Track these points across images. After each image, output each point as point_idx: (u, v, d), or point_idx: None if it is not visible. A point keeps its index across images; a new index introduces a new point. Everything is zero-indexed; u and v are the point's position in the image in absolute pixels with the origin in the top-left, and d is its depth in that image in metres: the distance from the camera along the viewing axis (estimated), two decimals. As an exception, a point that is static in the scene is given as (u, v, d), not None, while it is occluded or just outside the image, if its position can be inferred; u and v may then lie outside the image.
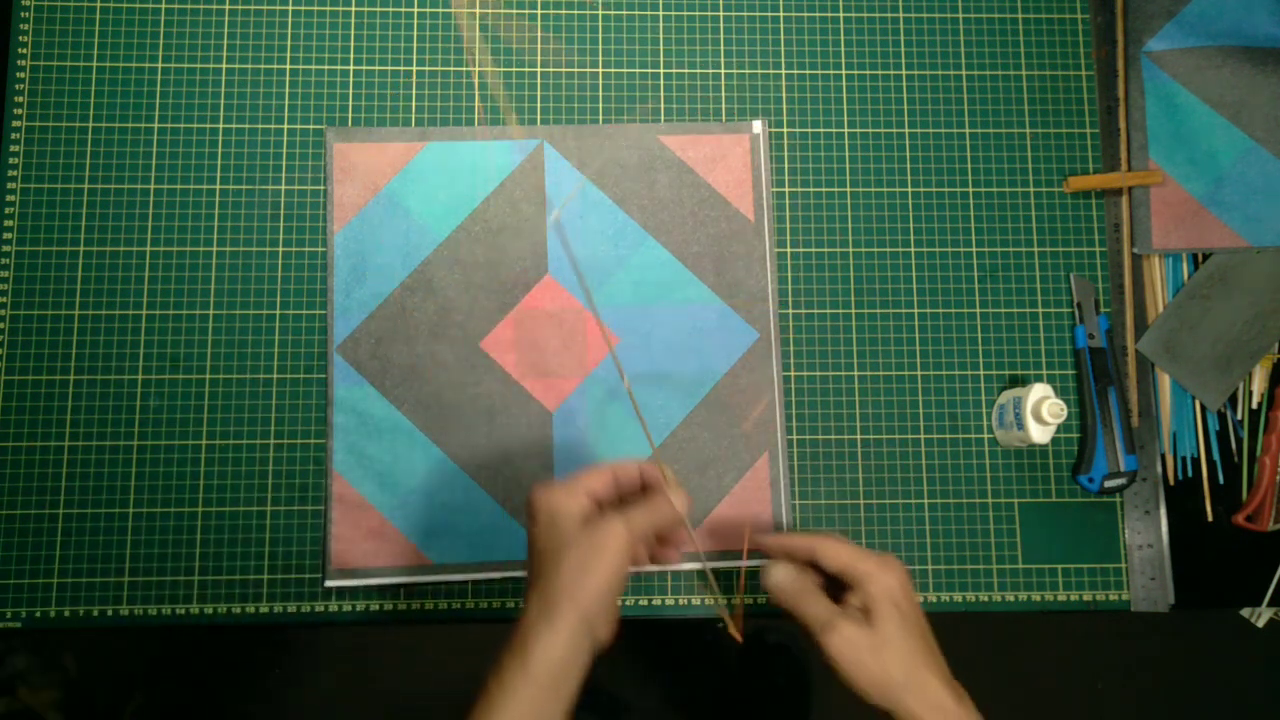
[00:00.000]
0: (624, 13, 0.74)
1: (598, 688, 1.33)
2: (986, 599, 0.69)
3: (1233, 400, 0.72)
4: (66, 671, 1.37)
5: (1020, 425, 0.65)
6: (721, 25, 0.74)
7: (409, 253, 0.70)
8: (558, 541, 0.50)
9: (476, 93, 0.73)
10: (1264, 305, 0.72)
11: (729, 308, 0.71)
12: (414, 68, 0.73)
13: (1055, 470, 0.70)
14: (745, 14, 0.75)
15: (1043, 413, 0.64)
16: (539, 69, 0.73)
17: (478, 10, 0.73)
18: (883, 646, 0.51)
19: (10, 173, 0.70)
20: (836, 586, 0.56)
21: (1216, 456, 0.71)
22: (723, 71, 0.74)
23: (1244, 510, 0.70)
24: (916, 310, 0.72)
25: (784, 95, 0.74)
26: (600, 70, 0.73)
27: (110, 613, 0.66)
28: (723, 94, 0.74)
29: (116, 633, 0.67)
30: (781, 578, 0.56)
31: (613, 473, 0.53)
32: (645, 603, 0.68)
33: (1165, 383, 0.72)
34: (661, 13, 0.74)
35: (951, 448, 0.70)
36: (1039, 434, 0.65)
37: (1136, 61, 0.75)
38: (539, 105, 0.73)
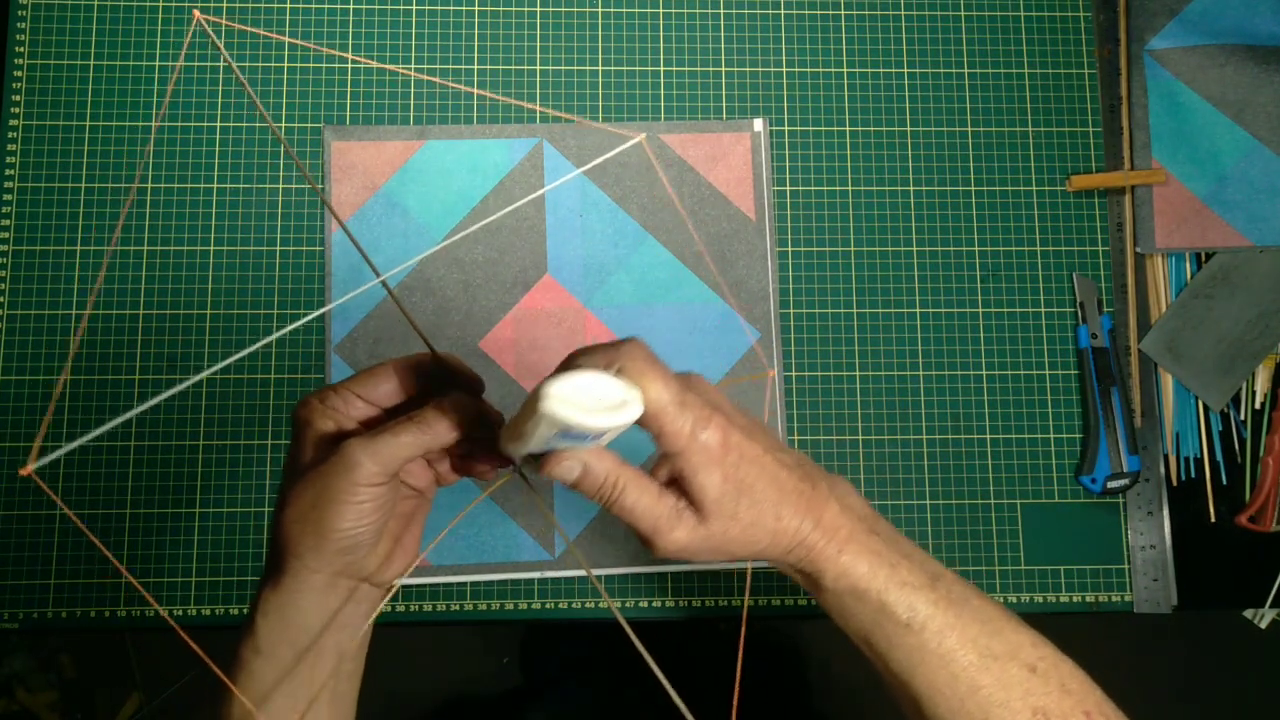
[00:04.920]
0: (624, 11, 0.74)
1: (595, 688, 1.32)
2: (988, 600, 0.68)
3: (1236, 400, 0.72)
4: (64, 672, 1.37)
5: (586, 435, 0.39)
6: (722, 24, 0.74)
7: (407, 252, 0.69)
8: (291, 471, 0.41)
9: (475, 91, 0.72)
10: (1267, 305, 0.72)
11: (730, 307, 0.70)
12: (413, 66, 0.72)
13: (1058, 471, 0.70)
14: (746, 12, 0.74)
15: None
16: (539, 67, 0.73)
17: (477, 8, 0.73)
18: (731, 534, 0.41)
19: (8, 172, 0.69)
20: None
21: (1219, 457, 0.71)
22: (723, 70, 0.74)
23: (1247, 511, 0.70)
24: (918, 310, 0.71)
25: (785, 93, 0.73)
26: (600, 69, 0.73)
27: (108, 614, 0.66)
28: (723, 92, 0.73)
29: (116, 633, 0.66)
30: (577, 470, 0.40)
31: (395, 372, 0.42)
32: (645, 604, 0.67)
33: (1168, 383, 0.72)
34: (661, 11, 0.74)
35: (954, 448, 0.70)
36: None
37: (1139, 60, 0.75)
38: (539, 104, 0.72)
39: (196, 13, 0.36)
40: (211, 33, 0.41)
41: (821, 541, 0.42)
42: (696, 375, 0.43)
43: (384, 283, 0.39)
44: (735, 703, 0.46)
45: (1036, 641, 0.44)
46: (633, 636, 0.33)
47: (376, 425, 0.41)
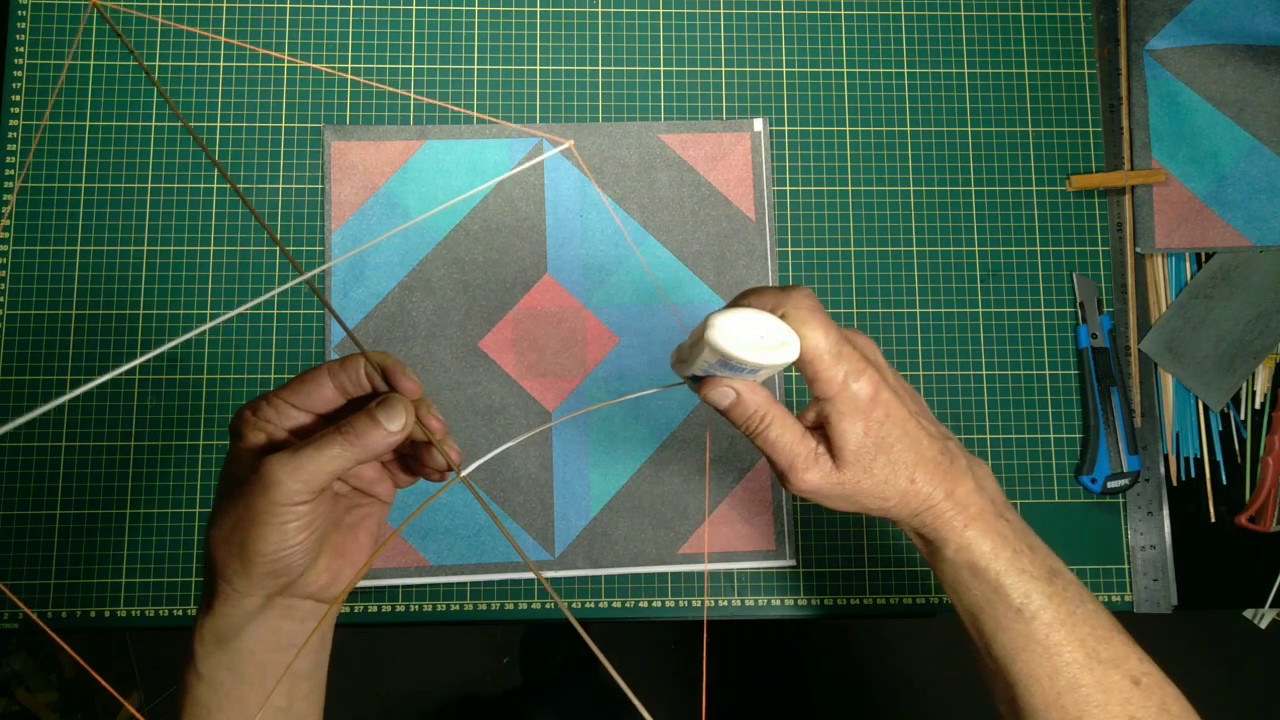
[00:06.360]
0: (624, 11, 0.74)
1: (595, 688, 1.32)
2: (988, 600, 0.68)
3: (1236, 400, 0.72)
4: (64, 672, 1.37)
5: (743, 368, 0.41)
6: (722, 23, 0.74)
7: (407, 252, 0.70)
8: (223, 486, 0.39)
9: (475, 91, 0.72)
10: (1267, 305, 0.72)
11: (729, 307, 0.70)
12: (413, 66, 0.72)
13: (1058, 471, 0.70)
14: (746, 12, 0.74)
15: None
16: (539, 67, 0.73)
17: (477, 8, 0.73)
18: (864, 485, 0.43)
19: (8, 172, 0.69)
20: None
21: (1219, 457, 0.71)
22: (723, 70, 0.74)
23: (1247, 511, 0.70)
24: (918, 310, 0.71)
25: (785, 93, 0.73)
26: (600, 69, 0.73)
27: (108, 614, 0.66)
28: (723, 92, 0.73)
29: (116, 633, 0.66)
30: (730, 396, 0.42)
31: (329, 376, 0.40)
32: (645, 604, 0.67)
33: (1168, 383, 0.72)
34: (661, 11, 0.74)
35: (953, 448, 0.70)
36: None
37: (1139, 60, 0.75)
38: (539, 104, 0.72)
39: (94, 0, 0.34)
40: (111, 22, 0.40)
41: (950, 512, 0.44)
42: (861, 333, 0.45)
43: (309, 283, 0.38)
44: (704, 703, 0.46)
45: (1143, 658, 0.45)
46: (584, 635, 0.32)
47: (310, 434, 0.39)
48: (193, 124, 0.71)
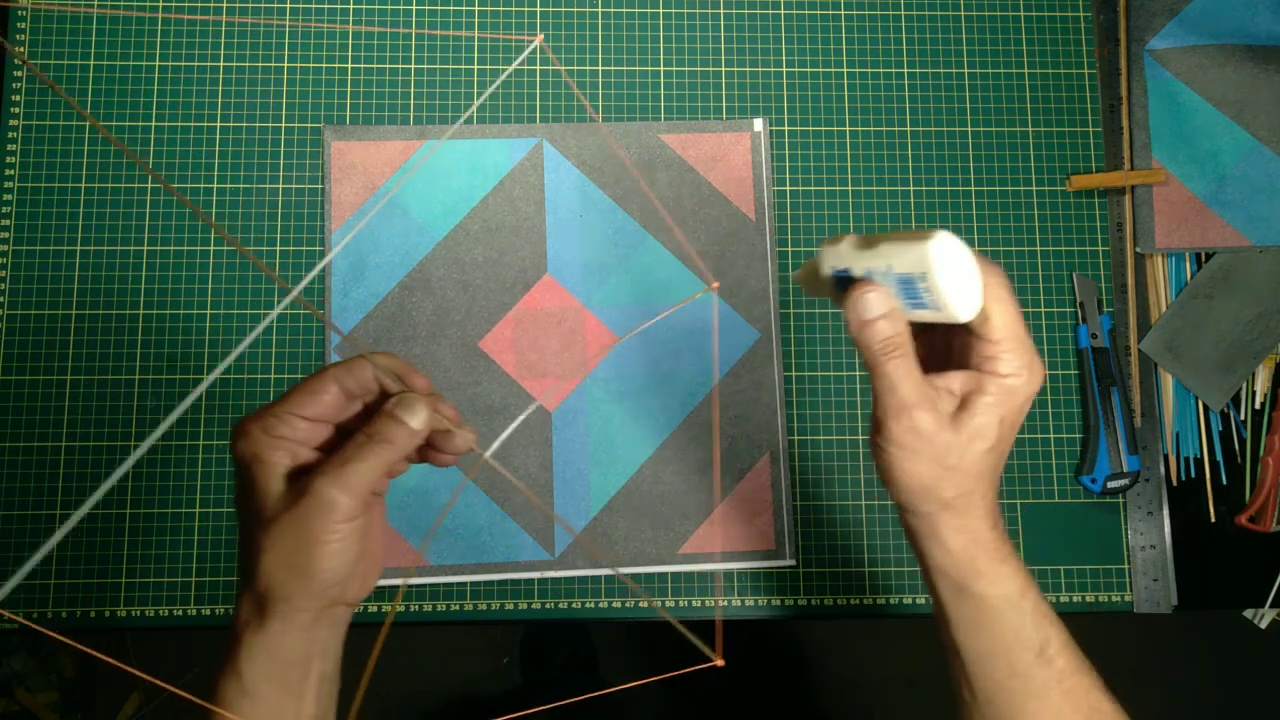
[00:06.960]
0: (624, 11, 0.74)
1: (595, 688, 1.32)
2: (988, 600, 0.68)
3: (1236, 400, 0.72)
4: (64, 672, 1.37)
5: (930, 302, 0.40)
6: (722, 23, 0.74)
7: (407, 252, 0.69)
8: (258, 515, 0.39)
9: (475, 91, 0.72)
10: (1267, 305, 0.72)
11: (730, 307, 0.70)
12: (413, 66, 0.72)
13: (1058, 471, 0.70)
14: (746, 12, 0.74)
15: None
16: (538, 67, 0.73)
17: (477, 8, 0.73)
18: (953, 460, 0.41)
19: (8, 172, 0.69)
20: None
21: (1219, 457, 0.71)
22: (723, 70, 0.74)
23: (1247, 511, 0.70)
24: (918, 310, 0.71)
25: (785, 93, 0.73)
26: (600, 69, 0.73)
27: (108, 614, 0.66)
28: (723, 92, 0.73)
29: (116, 633, 0.66)
30: (878, 310, 0.41)
31: (335, 382, 0.40)
32: (646, 604, 0.67)
33: (1168, 383, 0.72)
34: (661, 11, 0.74)
35: (953, 448, 0.70)
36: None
37: (1139, 60, 0.75)
38: (539, 104, 0.72)
39: None
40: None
41: (994, 543, 0.43)
42: None
43: (299, 298, 0.39)
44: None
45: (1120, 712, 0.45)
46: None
47: (329, 445, 0.39)
48: (192, 124, 0.71)
